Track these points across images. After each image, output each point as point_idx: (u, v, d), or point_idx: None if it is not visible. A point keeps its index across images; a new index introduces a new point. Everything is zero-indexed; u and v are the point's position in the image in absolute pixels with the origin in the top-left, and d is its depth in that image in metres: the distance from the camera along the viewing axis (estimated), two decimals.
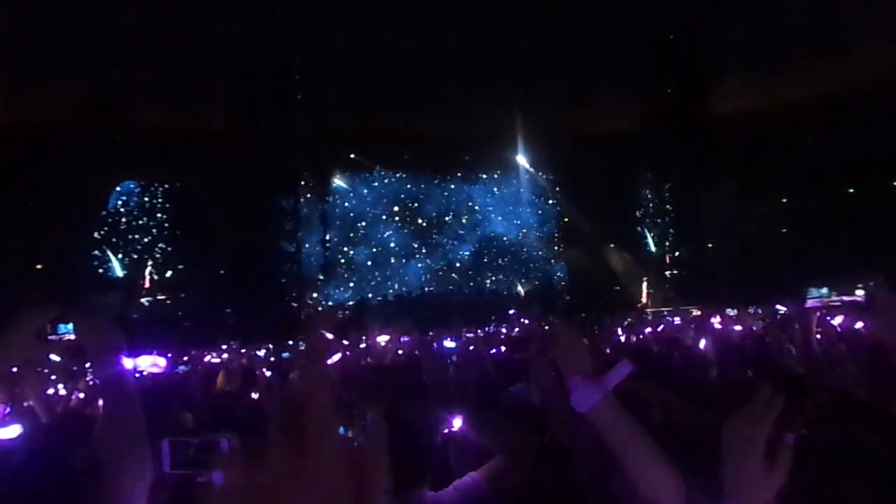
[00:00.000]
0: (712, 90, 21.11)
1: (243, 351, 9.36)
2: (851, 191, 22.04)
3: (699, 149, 21.31)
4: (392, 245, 26.82)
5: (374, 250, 26.52)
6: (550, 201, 27.78)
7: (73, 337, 1.80)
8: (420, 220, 27.27)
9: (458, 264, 27.18)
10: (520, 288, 26.74)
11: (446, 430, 2.83)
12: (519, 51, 20.95)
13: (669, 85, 21.63)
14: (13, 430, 2.81)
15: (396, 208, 27.04)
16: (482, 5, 19.15)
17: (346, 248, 25.86)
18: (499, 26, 20.03)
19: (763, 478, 1.35)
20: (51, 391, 5.65)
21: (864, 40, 19.01)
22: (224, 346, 11.08)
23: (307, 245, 22.13)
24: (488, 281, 27.07)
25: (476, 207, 27.77)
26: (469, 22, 19.68)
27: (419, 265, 26.82)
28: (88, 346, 1.75)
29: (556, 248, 27.62)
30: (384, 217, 26.85)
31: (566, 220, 27.37)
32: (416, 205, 27.25)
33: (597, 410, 1.70)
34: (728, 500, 1.39)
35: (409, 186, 27.19)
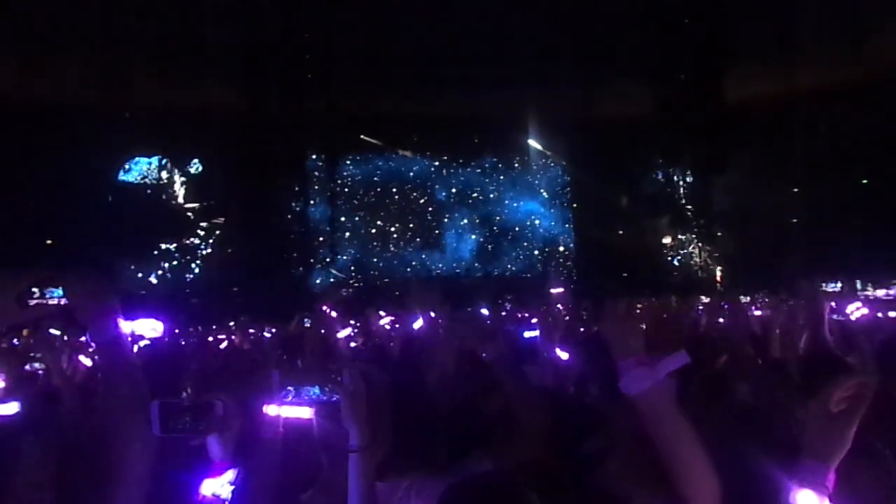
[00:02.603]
0: (726, 77, 20.88)
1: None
2: (865, 181, 21.86)
3: (712, 136, 21.13)
4: (399, 227, 26.78)
5: (382, 232, 26.50)
6: (561, 186, 27.71)
7: (59, 301, 1.71)
8: (428, 203, 27.20)
9: (466, 248, 27.14)
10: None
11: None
12: (532, 33, 20.77)
13: (683, 71, 21.40)
14: (11, 408, 2.74)
15: (405, 190, 26.97)
16: None
17: (353, 229, 25.84)
18: (512, 8, 19.84)
19: (841, 439, 1.45)
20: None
21: (881, 27, 18.76)
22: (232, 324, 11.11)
23: (313, 223, 22.15)
24: (501, 264, 27.01)
25: (485, 191, 27.66)
26: (482, 2, 19.49)
27: (427, 248, 26.79)
28: (81, 311, 1.66)
29: (566, 231, 27.54)
30: (392, 199, 26.79)
31: (575, 205, 27.29)
32: (424, 187, 27.16)
33: (646, 396, 1.67)
34: (806, 459, 1.48)
35: (418, 169, 27.10)
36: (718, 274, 21.73)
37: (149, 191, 23.07)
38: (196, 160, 23.48)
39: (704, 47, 20.83)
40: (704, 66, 20.99)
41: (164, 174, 23.38)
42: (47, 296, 1.71)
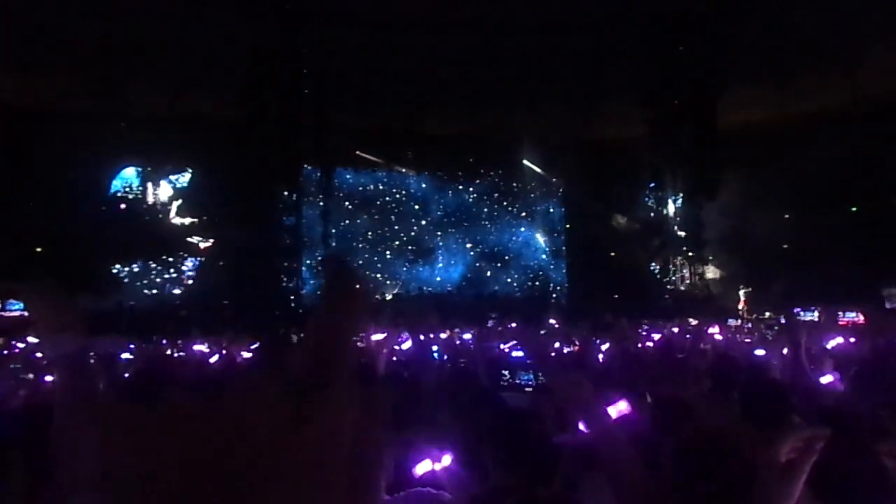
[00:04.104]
0: (719, 102, 21.09)
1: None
2: (854, 209, 22.03)
3: (703, 160, 21.30)
4: (393, 243, 26.79)
5: (375, 247, 26.50)
6: (555, 206, 27.86)
7: (20, 314, 1.67)
8: (423, 220, 27.25)
9: (459, 266, 27.15)
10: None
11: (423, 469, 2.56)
12: (526, 54, 20.96)
13: (677, 95, 21.63)
14: None
15: (399, 207, 27.04)
16: (491, 6, 19.15)
17: (346, 244, 25.82)
18: (507, 28, 20.02)
19: (786, 491, 1.47)
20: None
21: (871, 55, 19.03)
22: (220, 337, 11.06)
23: (307, 237, 22.13)
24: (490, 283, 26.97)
25: (479, 209, 27.72)
26: (477, 22, 19.67)
27: (420, 265, 26.80)
28: (41, 323, 1.60)
29: (558, 251, 27.61)
30: (386, 215, 26.84)
31: (568, 225, 27.39)
32: (419, 204, 27.23)
33: (604, 436, 1.85)
34: None
35: (413, 185, 27.18)
36: (742, 297, 21.78)
37: (129, 205, 22.99)
38: (184, 172, 23.53)
39: (699, 73, 21.06)
40: (697, 92, 21.22)
41: (137, 186, 23.33)
42: (7, 308, 1.68)
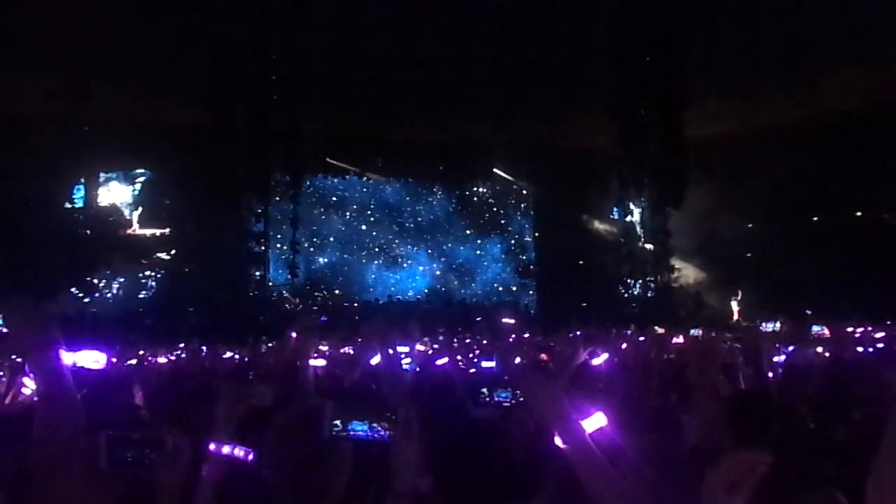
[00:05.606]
0: (685, 115, 21.45)
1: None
2: (816, 219, 22.54)
3: (670, 171, 21.62)
4: (362, 251, 26.69)
5: (344, 255, 26.37)
6: (523, 214, 28.04)
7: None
8: (392, 227, 27.21)
9: (428, 273, 27.13)
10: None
11: None
12: (496, 64, 21.09)
13: (644, 108, 21.94)
14: None
15: (369, 214, 26.97)
16: (461, 15, 19.26)
17: (314, 252, 25.66)
18: (477, 37, 20.13)
19: None
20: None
21: (832, 72, 19.50)
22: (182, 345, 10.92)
23: (278, 244, 22.00)
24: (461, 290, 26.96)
25: (449, 217, 27.76)
26: (448, 31, 19.75)
27: (389, 272, 26.73)
28: (21, 340, 1.62)
29: (526, 261, 27.75)
30: (356, 222, 26.74)
31: (537, 234, 27.56)
32: (389, 211, 27.19)
33: (579, 449, 1.81)
34: None
35: (381, 193, 27.14)
36: (735, 307, 22.07)
37: (80, 215, 22.58)
38: (137, 183, 23.28)
39: (664, 86, 21.38)
40: (664, 105, 21.54)
41: (82, 197, 22.97)
42: None
